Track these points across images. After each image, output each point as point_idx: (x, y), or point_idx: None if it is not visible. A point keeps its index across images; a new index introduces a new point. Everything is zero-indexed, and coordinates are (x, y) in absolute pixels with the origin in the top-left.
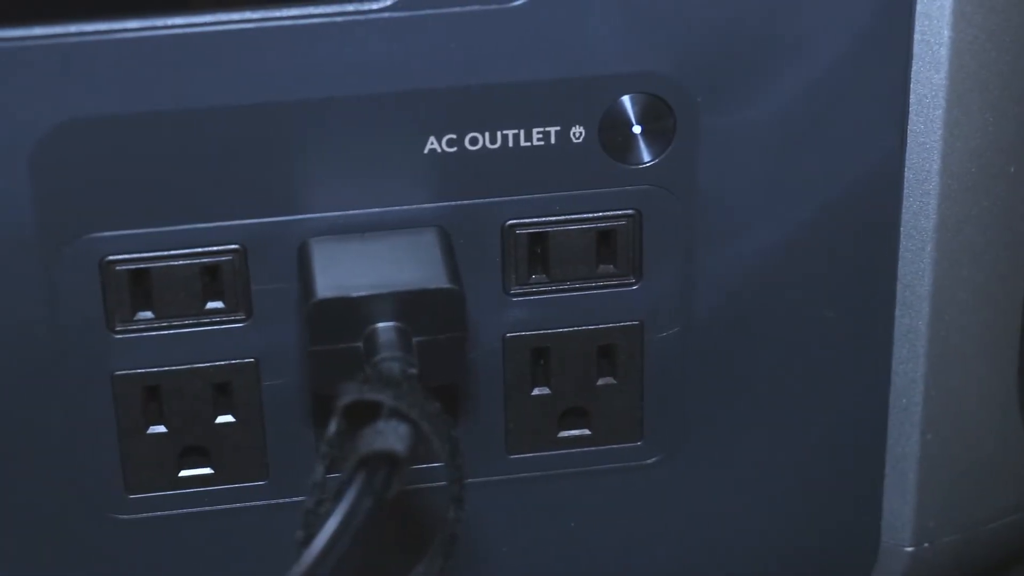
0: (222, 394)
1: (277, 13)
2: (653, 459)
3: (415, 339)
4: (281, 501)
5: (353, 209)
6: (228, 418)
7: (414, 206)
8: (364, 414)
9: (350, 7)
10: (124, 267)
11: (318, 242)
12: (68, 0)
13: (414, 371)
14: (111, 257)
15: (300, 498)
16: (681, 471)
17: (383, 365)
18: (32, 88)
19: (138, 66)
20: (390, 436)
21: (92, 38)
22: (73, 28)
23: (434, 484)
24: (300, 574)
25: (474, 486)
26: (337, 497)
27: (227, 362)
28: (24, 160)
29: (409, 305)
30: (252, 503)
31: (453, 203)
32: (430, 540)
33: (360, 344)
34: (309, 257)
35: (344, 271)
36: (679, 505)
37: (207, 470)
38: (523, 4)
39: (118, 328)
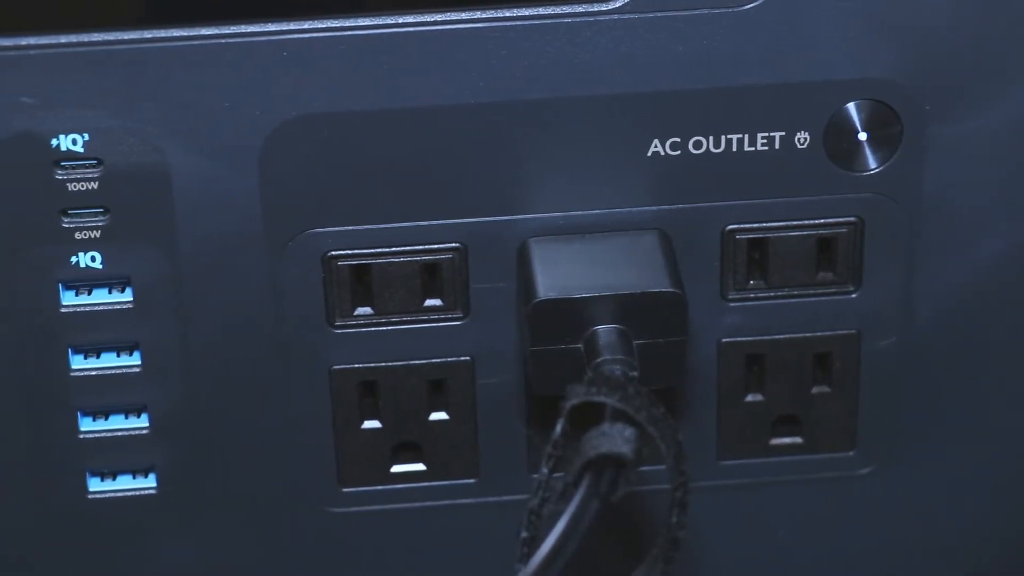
0: (437, 391)
1: (507, 13)
2: (866, 469)
3: (635, 342)
4: (491, 500)
5: (574, 210)
6: (442, 415)
7: (635, 208)
8: (585, 416)
9: (580, 8)
10: (346, 263)
11: (538, 242)
12: None
13: (636, 374)
14: (333, 252)
15: (510, 497)
16: (894, 482)
17: (605, 367)
18: (263, 84)
19: (367, 63)
20: (616, 439)
21: (322, 35)
22: (307, 24)
23: (647, 488)
24: (530, 574)
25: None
26: (561, 498)
27: (443, 359)
28: (254, 156)
29: (631, 308)
30: (462, 500)
31: (674, 206)
32: (644, 543)
33: (580, 345)
34: (529, 257)
35: (565, 272)
36: (891, 516)
37: (419, 466)
38: (754, 8)
39: (338, 323)
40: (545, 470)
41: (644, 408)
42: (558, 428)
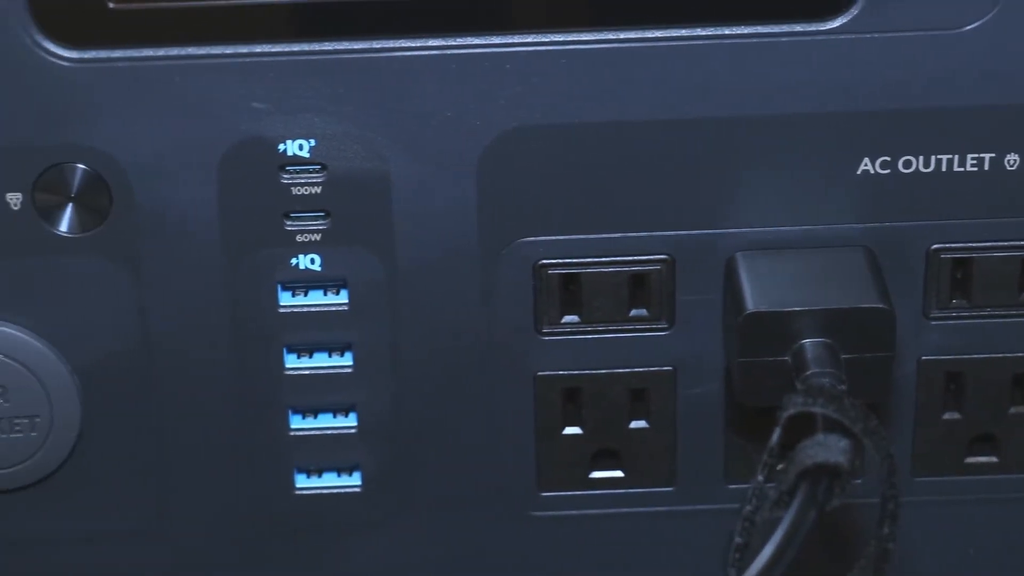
0: (638, 399)
1: (727, 30)
2: None
3: (842, 356)
4: (686, 508)
5: (782, 225)
6: (642, 424)
7: (842, 225)
8: (794, 426)
9: (798, 27)
10: (556, 271)
11: (746, 256)
12: (521, 12)
13: (844, 388)
14: (544, 261)
15: (706, 506)
16: None
17: (814, 380)
18: (485, 95)
19: (586, 77)
20: (833, 449)
21: (544, 48)
22: (530, 38)
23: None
24: None
25: (874, 507)
26: (775, 506)
27: (646, 369)
28: (473, 165)
29: (839, 322)
30: (658, 508)
31: (880, 224)
32: (844, 554)
33: (788, 358)
34: (737, 271)
35: (774, 286)
36: None
37: (618, 473)
38: (972, 30)
39: (545, 330)
40: (760, 478)
41: (860, 420)
42: (775, 437)
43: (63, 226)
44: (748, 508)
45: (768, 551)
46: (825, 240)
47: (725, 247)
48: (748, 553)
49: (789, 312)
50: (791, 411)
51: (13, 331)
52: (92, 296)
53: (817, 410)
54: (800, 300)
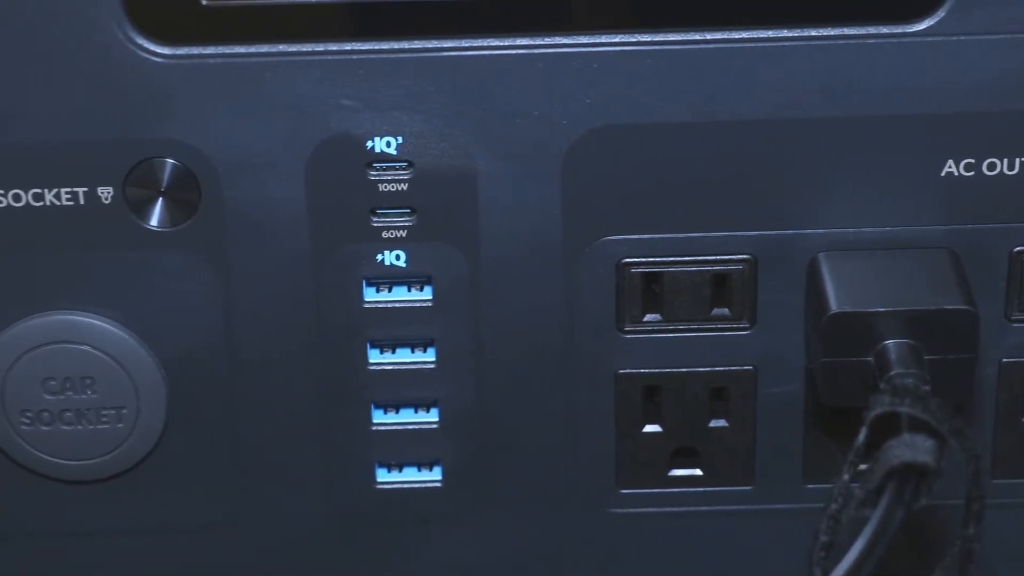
0: (718, 398)
1: (812, 32)
2: None
3: (925, 357)
4: (764, 507)
5: (864, 227)
6: (722, 423)
7: (925, 227)
8: (876, 426)
9: (885, 29)
10: (639, 270)
11: (828, 256)
12: (608, 12)
13: (928, 388)
14: (627, 260)
15: (784, 505)
16: None
17: (898, 380)
18: (572, 94)
19: (672, 77)
20: (919, 449)
21: (631, 48)
22: (618, 38)
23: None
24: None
25: (954, 507)
26: (862, 505)
27: (726, 368)
28: (558, 163)
29: (923, 323)
30: (736, 507)
31: (963, 226)
32: (929, 553)
33: (871, 358)
34: (820, 271)
35: (857, 286)
36: None
37: (696, 471)
38: None
39: (627, 328)
40: (846, 476)
41: (946, 420)
42: (861, 436)
43: (153, 220)
44: (834, 507)
45: (856, 550)
46: (908, 242)
47: (807, 248)
48: (833, 552)
49: (873, 313)
50: (878, 411)
51: (102, 323)
52: (180, 290)
53: (904, 410)
54: (883, 301)
